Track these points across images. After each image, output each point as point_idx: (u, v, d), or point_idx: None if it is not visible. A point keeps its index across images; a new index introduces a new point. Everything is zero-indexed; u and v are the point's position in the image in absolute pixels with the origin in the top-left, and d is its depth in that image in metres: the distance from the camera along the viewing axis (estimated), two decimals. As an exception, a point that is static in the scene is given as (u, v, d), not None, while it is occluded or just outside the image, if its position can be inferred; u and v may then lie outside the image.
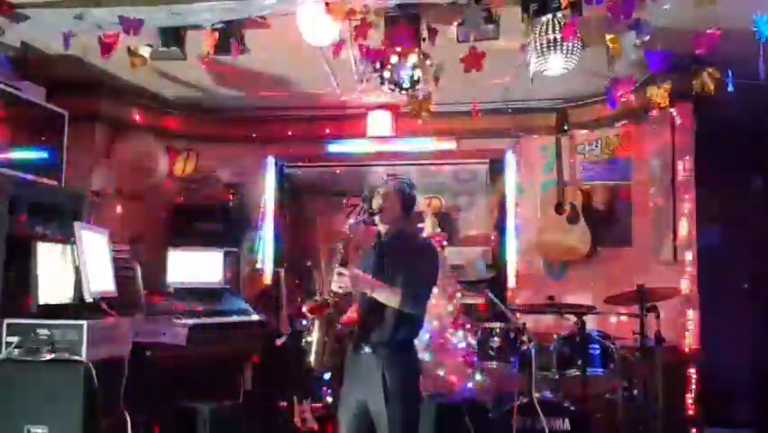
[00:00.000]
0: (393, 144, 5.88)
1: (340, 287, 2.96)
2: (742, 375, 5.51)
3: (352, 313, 3.16)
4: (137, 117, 5.47)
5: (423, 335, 3.91)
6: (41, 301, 3.30)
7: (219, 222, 5.65)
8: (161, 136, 5.61)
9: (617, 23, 3.25)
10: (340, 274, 2.94)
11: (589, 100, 5.31)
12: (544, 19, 3.41)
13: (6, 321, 3.15)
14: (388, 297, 2.92)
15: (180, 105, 5.62)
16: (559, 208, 5.34)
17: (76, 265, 3.51)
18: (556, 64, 3.54)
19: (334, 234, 6.12)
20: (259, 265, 5.87)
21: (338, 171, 6.33)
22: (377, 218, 3.06)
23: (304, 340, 3.05)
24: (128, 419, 3.32)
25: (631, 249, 5.17)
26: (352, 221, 3.14)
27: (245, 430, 4.75)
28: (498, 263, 5.85)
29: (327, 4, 3.35)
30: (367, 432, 2.97)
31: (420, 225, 5.01)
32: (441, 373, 4.54)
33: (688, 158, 4.75)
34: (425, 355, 4.37)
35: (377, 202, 3.05)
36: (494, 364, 4.37)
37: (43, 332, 3.12)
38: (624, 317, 4.13)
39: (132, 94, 5.26)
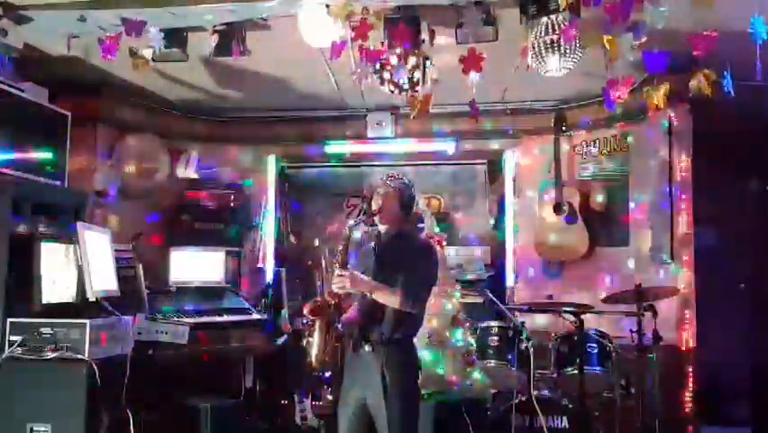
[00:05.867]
0: (393, 144, 5.90)
1: (340, 288, 2.99)
2: (739, 374, 5.54)
3: (351, 312, 3.20)
4: (139, 118, 5.49)
5: (422, 333, 3.93)
6: (44, 300, 3.33)
7: (220, 222, 5.69)
8: (163, 137, 5.63)
9: (615, 24, 3.28)
10: (340, 276, 2.97)
11: (587, 101, 5.33)
12: (542, 21, 3.44)
13: (10, 320, 3.19)
14: (388, 297, 2.95)
15: (182, 106, 5.65)
16: (557, 208, 5.36)
17: (78, 265, 3.54)
18: (555, 65, 3.56)
19: (334, 234, 6.16)
20: (260, 264, 5.90)
21: (338, 171, 6.36)
22: (376, 219, 3.09)
23: (305, 340, 3.09)
24: (130, 417, 3.35)
25: (629, 249, 5.19)
26: (351, 222, 3.16)
27: (246, 428, 4.79)
28: (496, 263, 5.88)
29: (328, 6, 3.38)
30: (366, 430, 3.00)
31: (420, 225, 5.03)
32: (440, 371, 4.56)
33: (685, 158, 4.77)
34: (424, 354, 4.39)
35: (376, 203, 3.08)
36: (493, 363, 4.38)
37: (46, 331, 3.15)
38: (622, 316, 4.15)
39: (134, 95, 5.28)
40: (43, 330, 3.15)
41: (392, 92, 3.99)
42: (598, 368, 4.20)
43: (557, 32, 3.40)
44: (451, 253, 5.48)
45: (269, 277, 5.88)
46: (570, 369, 4.16)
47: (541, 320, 4.99)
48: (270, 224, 6.02)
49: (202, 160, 5.89)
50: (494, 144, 5.90)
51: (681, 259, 4.73)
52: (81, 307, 3.50)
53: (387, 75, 3.89)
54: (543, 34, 3.46)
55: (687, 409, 4.59)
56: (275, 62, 4.51)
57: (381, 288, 2.96)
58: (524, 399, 4.04)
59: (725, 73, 3.32)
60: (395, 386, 2.92)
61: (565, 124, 5.35)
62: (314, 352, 3.06)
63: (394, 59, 3.77)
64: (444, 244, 5.10)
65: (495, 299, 4.57)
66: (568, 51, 3.48)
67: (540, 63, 3.56)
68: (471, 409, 4.30)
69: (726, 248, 5.54)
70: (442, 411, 4.26)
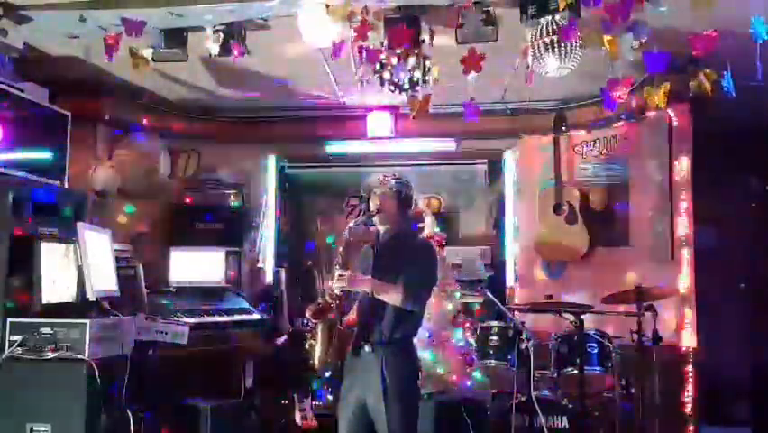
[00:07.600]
0: (393, 145, 5.90)
1: (341, 288, 2.99)
2: (739, 374, 5.54)
3: (353, 314, 3.19)
4: (139, 118, 5.49)
5: (422, 333, 3.93)
6: (45, 300, 3.33)
7: (220, 222, 5.69)
8: (163, 137, 5.63)
9: (615, 24, 3.28)
10: (340, 276, 2.97)
11: (587, 101, 5.32)
12: (542, 21, 3.44)
13: (10, 320, 3.19)
14: (390, 295, 2.95)
15: (182, 106, 5.64)
16: (557, 208, 5.35)
17: (78, 265, 3.54)
18: (555, 66, 3.56)
19: (335, 234, 6.16)
20: (260, 264, 5.90)
21: (338, 172, 6.36)
22: (375, 219, 3.09)
23: (307, 343, 3.09)
24: (130, 417, 3.35)
25: (629, 249, 5.18)
26: (351, 223, 3.16)
27: (246, 428, 4.77)
28: (496, 263, 5.88)
29: (327, 6, 3.38)
30: (366, 430, 2.99)
31: (419, 225, 5.04)
32: (440, 371, 4.56)
33: (685, 158, 4.77)
34: (424, 354, 4.39)
35: (374, 203, 3.08)
36: (493, 363, 4.39)
37: (46, 331, 3.16)
38: (622, 316, 4.15)
39: (134, 95, 5.28)
40: (43, 330, 3.15)
41: (392, 92, 3.98)
42: (598, 368, 4.20)
43: (557, 33, 3.40)
44: (451, 253, 5.48)
45: (269, 277, 5.88)
46: (570, 369, 4.16)
47: (541, 320, 4.99)
48: (270, 224, 6.02)
49: (202, 160, 5.90)
50: (494, 144, 5.90)
51: (681, 259, 4.73)
52: (81, 307, 3.50)
53: (387, 75, 3.88)
54: (542, 34, 3.46)
55: (687, 410, 4.58)
56: (275, 62, 4.51)
57: (382, 286, 2.96)
58: (524, 399, 4.04)
59: (725, 73, 3.32)
60: (395, 386, 2.91)
61: (565, 124, 5.34)
62: (316, 354, 3.06)
63: (394, 60, 3.77)
64: (444, 243, 5.10)
65: (495, 299, 4.57)
66: (568, 52, 3.48)
67: (540, 63, 3.56)
68: (471, 409, 4.30)
69: (726, 248, 5.54)
70: (442, 411, 4.26)
